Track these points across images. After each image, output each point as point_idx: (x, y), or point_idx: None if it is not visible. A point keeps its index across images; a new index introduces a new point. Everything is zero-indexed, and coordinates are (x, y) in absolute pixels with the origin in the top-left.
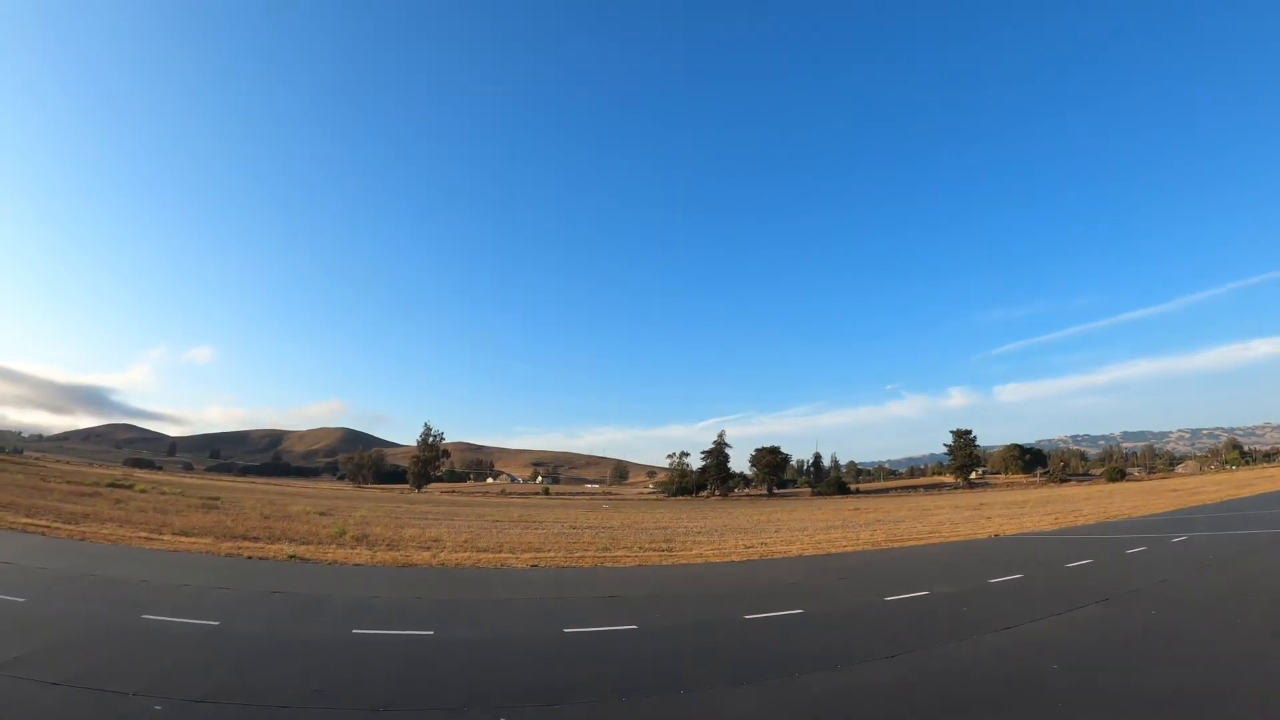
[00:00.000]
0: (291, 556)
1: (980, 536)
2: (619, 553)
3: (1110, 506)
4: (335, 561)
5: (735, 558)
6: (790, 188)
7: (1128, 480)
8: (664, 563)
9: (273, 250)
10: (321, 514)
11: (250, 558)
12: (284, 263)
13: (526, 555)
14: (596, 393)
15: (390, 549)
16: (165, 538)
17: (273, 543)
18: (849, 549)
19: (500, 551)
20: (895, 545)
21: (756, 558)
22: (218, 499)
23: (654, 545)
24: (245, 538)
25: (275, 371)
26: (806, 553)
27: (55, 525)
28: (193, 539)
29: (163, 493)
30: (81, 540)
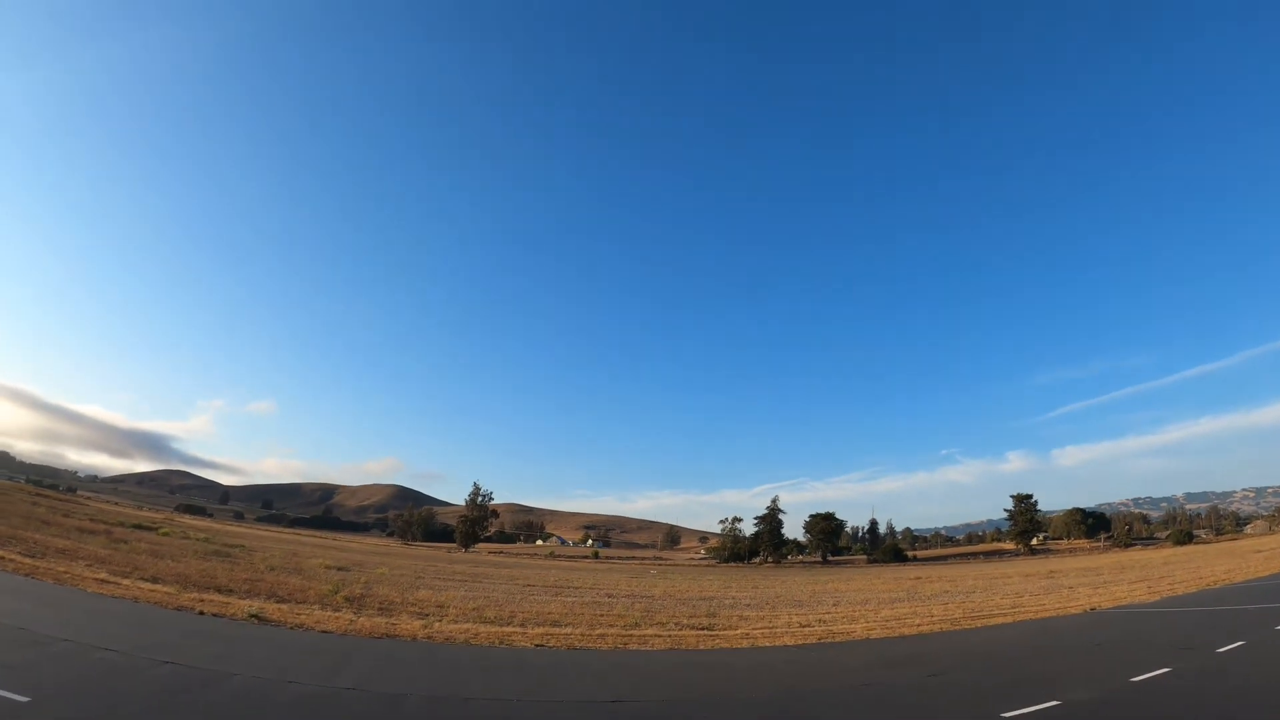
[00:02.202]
0: (253, 616)
1: (1074, 611)
2: (650, 630)
3: (1201, 571)
4: (302, 625)
5: (789, 639)
6: (846, 255)
7: (1196, 543)
8: (702, 645)
9: (340, 310)
10: (340, 569)
11: (202, 613)
12: (351, 322)
13: (537, 630)
14: (651, 457)
15: (381, 613)
16: (124, 583)
17: (247, 598)
18: (925, 628)
19: (509, 624)
20: (978, 623)
21: (815, 640)
22: (240, 547)
23: (694, 620)
24: (220, 589)
25: (334, 427)
26: (874, 633)
27: (14, 558)
28: (155, 586)
29: (186, 537)
30: (26, 577)
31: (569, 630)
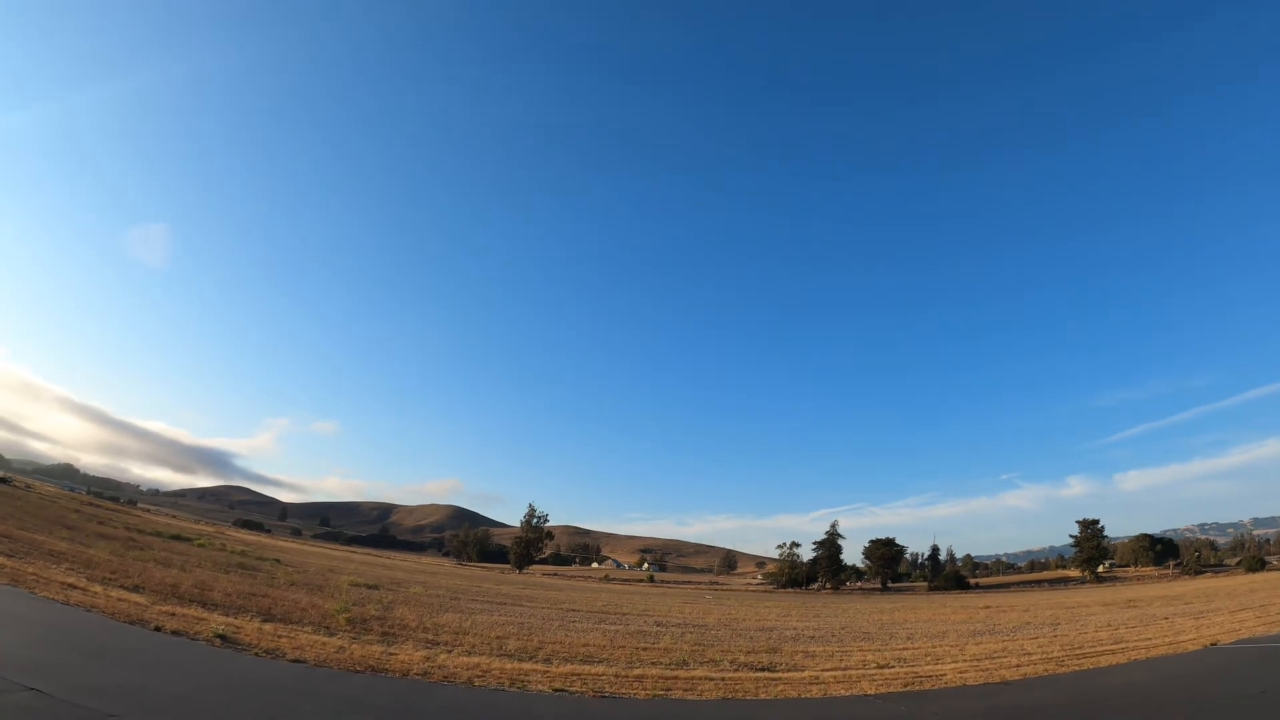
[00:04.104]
0: (219, 636)
1: (1190, 647)
2: (699, 670)
3: None
4: (275, 651)
5: (867, 686)
6: (909, 281)
7: (1269, 570)
8: (761, 693)
9: (407, 334)
10: (370, 586)
11: (159, 629)
12: (417, 346)
13: (563, 669)
14: (708, 481)
15: (383, 640)
16: (95, 589)
17: (231, 614)
18: (1025, 670)
19: (533, 659)
20: (1085, 664)
21: (900, 687)
22: (273, 560)
23: (751, 657)
24: (206, 603)
25: (397, 448)
26: (968, 677)
27: None
28: (129, 595)
29: (222, 549)
30: None
31: (601, 669)
